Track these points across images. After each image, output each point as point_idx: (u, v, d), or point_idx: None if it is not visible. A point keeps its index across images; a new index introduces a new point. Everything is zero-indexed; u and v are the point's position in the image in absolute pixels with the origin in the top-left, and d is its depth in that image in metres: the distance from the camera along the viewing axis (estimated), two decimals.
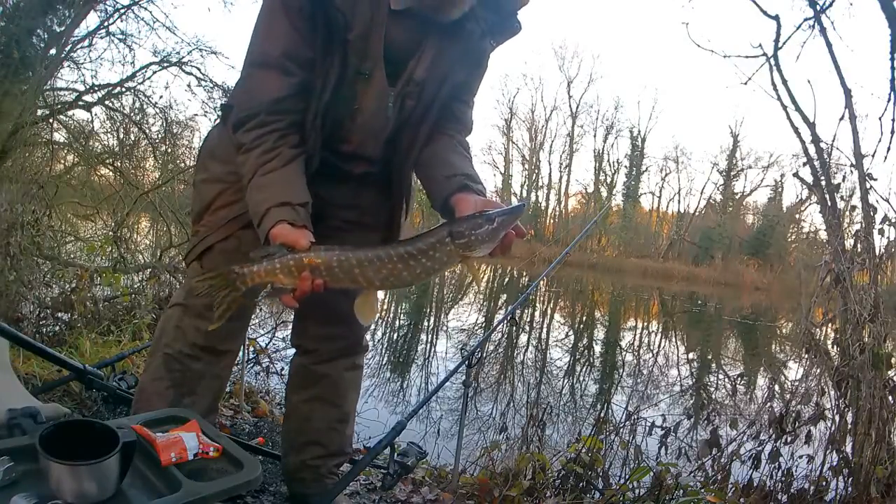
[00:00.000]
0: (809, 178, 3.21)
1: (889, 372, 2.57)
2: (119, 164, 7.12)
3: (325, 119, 1.35)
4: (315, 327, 1.65)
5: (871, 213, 2.84)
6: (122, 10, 7.77)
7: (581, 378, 7.35)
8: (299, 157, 1.32)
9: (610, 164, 35.96)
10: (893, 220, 2.80)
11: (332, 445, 1.69)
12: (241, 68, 1.37)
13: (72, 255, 4.58)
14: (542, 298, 13.81)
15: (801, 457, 2.60)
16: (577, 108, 35.42)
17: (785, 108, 3.27)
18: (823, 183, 3.09)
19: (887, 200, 2.86)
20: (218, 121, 1.56)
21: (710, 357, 10.17)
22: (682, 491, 2.24)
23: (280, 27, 1.27)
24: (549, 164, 36.66)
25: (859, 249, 2.80)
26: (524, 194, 36.54)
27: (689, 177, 45.91)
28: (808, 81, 3.29)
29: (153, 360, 1.56)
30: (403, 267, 1.19)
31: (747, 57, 3.62)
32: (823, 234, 3.64)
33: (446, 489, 2.27)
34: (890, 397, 2.55)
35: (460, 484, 2.33)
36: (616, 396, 5.99)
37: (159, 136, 8.39)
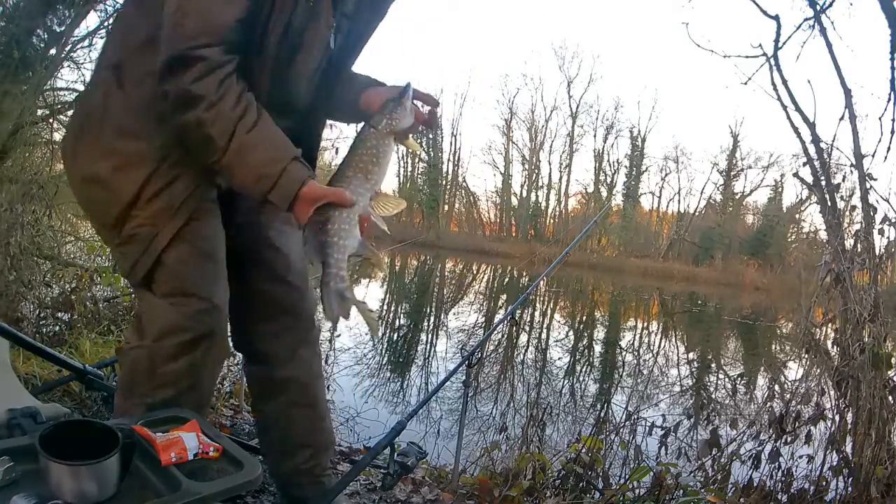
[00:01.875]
0: (809, 178, 3.22)
1: (889, 372, 2.57)
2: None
3: (276, 61, 1.16)
4: (263, 325, 1.47)
5: (871, 213, 2.84)
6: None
7: (581, 378, 7.35)
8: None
9: (610, 164, 35.98)
10: (893, 220, 2.80)
11: (319, 443, 1.60)
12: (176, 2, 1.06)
13: (72, 255, 4.57)
14: (542, 298, 13.80)
15: (801, 457, 2.60)
16: (577, 108, 35.44)
17: (785, 108, 3.28)
18: (823, 183, 3.09)
19: (887, 200, 2.86)
20: (109, 81, 1.16)
21: (710, 357, 10.16)
22: (682, 491, 2.24)
23: None
24: (549, 164, 36.69)
25: (859, 249, 2.80)
26: (524, 194, 36.59)
27: (689, 177, 45.81)
28: (808, 81, 3.30)
29: (130, 407, 1.25)
30: (367, 168, 1.27)
31: (747, 57, 3.63)
32: (823, 234, 3.64)
33: (446, 489, 2.27)
34: (890, 397, 2.55)
35: (460, 484, 2.33)
36: (616, 396, 5.99)
37: None
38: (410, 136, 1.31)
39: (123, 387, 1.29)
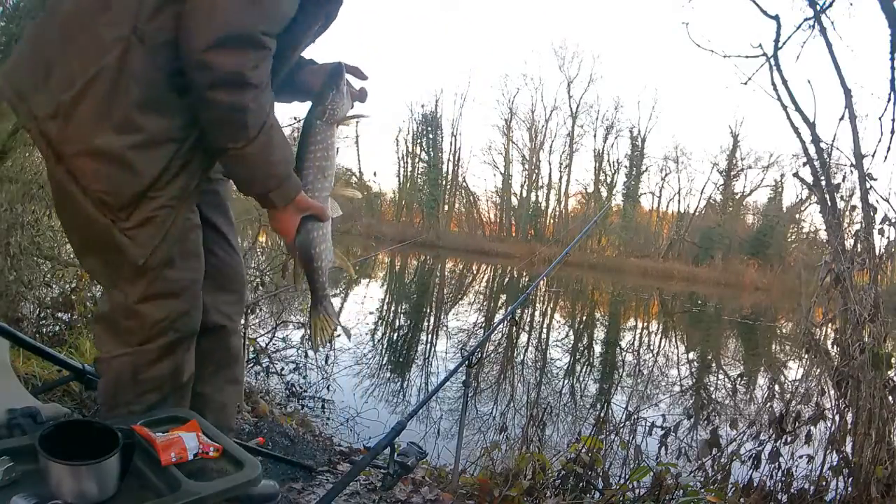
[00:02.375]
0: (809, 178, 3.21)
1: (889, 372, 2.57)
2: None
3: (275, 57, 1.13)
4: (223, 296, 1.39)
5: (871, 213, 2.84)
6: None
7: (581, 378, 7.35)
8: None
9: (610, 164, 35.98)
10: (893, 220, 2.80)
11: (234, 425, 1.54)
12: None
13: (72, 255, 4.57)
14: (542, 298, 13.81)
15: (801, 457, 2.60)
16: (577, 108, 35.42)
17: (785, 108, 3.28)
18: (823, 183, 3.09)
19: (887, 200, 2.86)
20: (126, 38, 1.02)
21: (710, 357, 10.16)
22: (682, 491, 2.24)
23: None
24: (549, 164, 36.68)
25: (859, 249, 2.80)
26: (524, 194, 36.58)
27: (689, 177, 45.76)
28: (808, 81, 3.30)
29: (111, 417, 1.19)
30: (322, 165, 1.29)
31: (747, 57, 3.63)
32: (823, 234, 3.64)
33: (446, 489, 2.26)
34: (890, 397, 2.55)
35: (460, 484, 2.33)
36: (616, 396, 6.00)
37: None
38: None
39: (107, 397, 1.20)
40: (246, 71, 1.00)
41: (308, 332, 1.38)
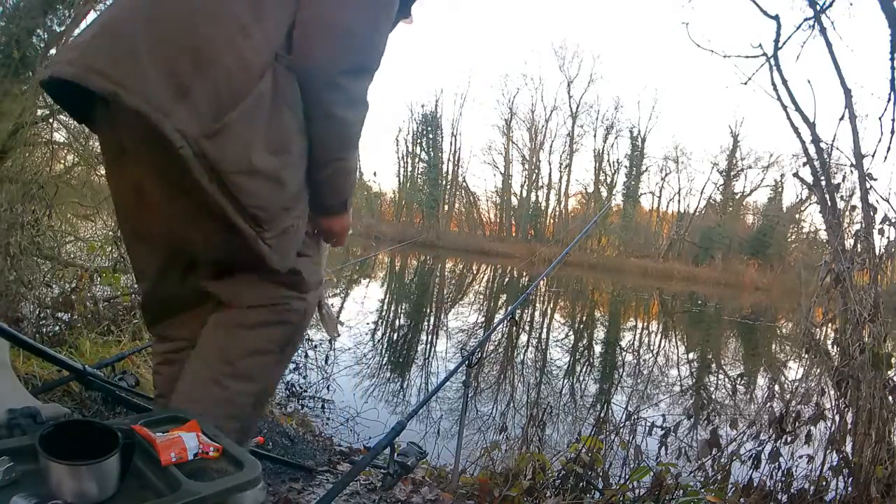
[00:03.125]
0: (809, 178, 3.21)
1: (889, 372, 2.57)
2: None
3: None
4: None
5: (871, 213, 2.83)
6: None
7: (581, 378, 7.35)
8: None
9: (610, 164, 36.01)
10: (893, 220, 2.80)
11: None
12: (356, 12, 1.15)
13: (72, 255, 4.58)
14: (542, 298, 13.82)
15: (801, 457, 2.60)
16: (577, 108, 35.47)
17: (785, 108, 3.28)
18: (823, 183, 3.09)
19: (887, 200, 2.86)
20: (272, 66, 1.12)
21: (710, 357, 10.17)
22: (682, 491, 2.24)
23: None
24: (549, 164, 36.72)
25: (859, 249, 2.80)
26: (524, 194, 36.61)
27: (689, 177, 45.84)
28: (808, 81, 3.30)
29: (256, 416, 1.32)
30: None
31: (747, 57, 3.63)
32: (823, 234, 3.64)
33: (446, 489, 2.27)
34: (890, 397, 2.55)
35: (460, 484, 2.33)
36: (616, 396, 5.99)
37: None
38: None
39: (253, 401, 1.28)
40: (365, 95, 1.20)
41: (320, 325, 1.42)
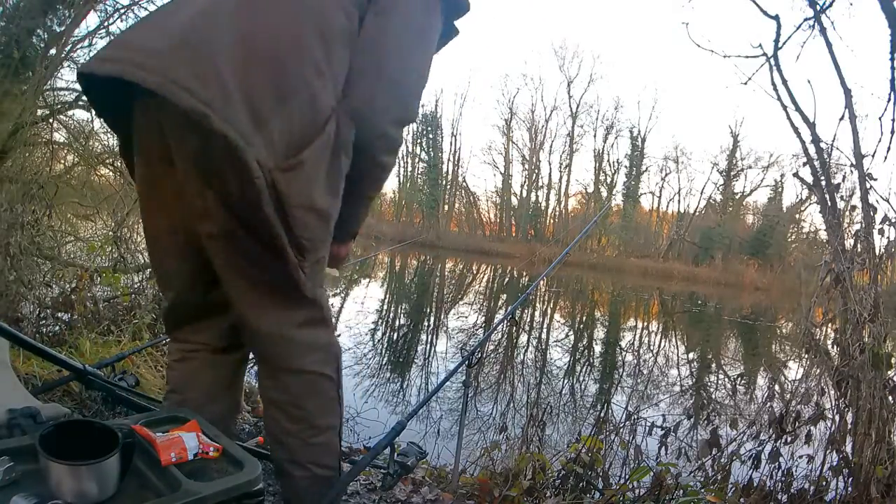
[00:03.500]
0: (809, 178, 3.21)
1: (889, 372, 2.57)
2: (119, 164, 7.11)
3: None
4: None
5: (871, 213, 2.83)
6: (123, 10, 7.77)
7: (581, 378, 7.35)
8: None
9: (610, 164, 36.03)
10: (893, 220, 2.79)
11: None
12: (408, 69, 1.27)
13: (72, 255, 4.57)
14: (542, 298, 13.82)
15: (801, 457, 2.59)
16: (577, 108, 35.50)
17: (785, 108, 3.27)
18: (823, 183, 3.09)
19: (887, 200, 2.86)
20: (335, 113, 1.17)
21: (710, 357, 10.17)
22: (682, 491, 2.24)
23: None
24: (549, 164, 36.76)
25: (859, 249, 2.80)
26: (524, 194, 36.61)
27: (689, 177, 45.93)
28: (808, 81, 3.29)
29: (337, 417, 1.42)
30: None
31: (747, 57, 3.62)
32: (823, 234, 3.64)
33: (446, 489, 2.27)
34: (890, 397, 2.54)
35: (460, 484, 2.33)
36: (616, 396, 5.99)
37: None
38: None
39: (326, 407, 1.38)
40: (401, 143, 1.31)
41: None
